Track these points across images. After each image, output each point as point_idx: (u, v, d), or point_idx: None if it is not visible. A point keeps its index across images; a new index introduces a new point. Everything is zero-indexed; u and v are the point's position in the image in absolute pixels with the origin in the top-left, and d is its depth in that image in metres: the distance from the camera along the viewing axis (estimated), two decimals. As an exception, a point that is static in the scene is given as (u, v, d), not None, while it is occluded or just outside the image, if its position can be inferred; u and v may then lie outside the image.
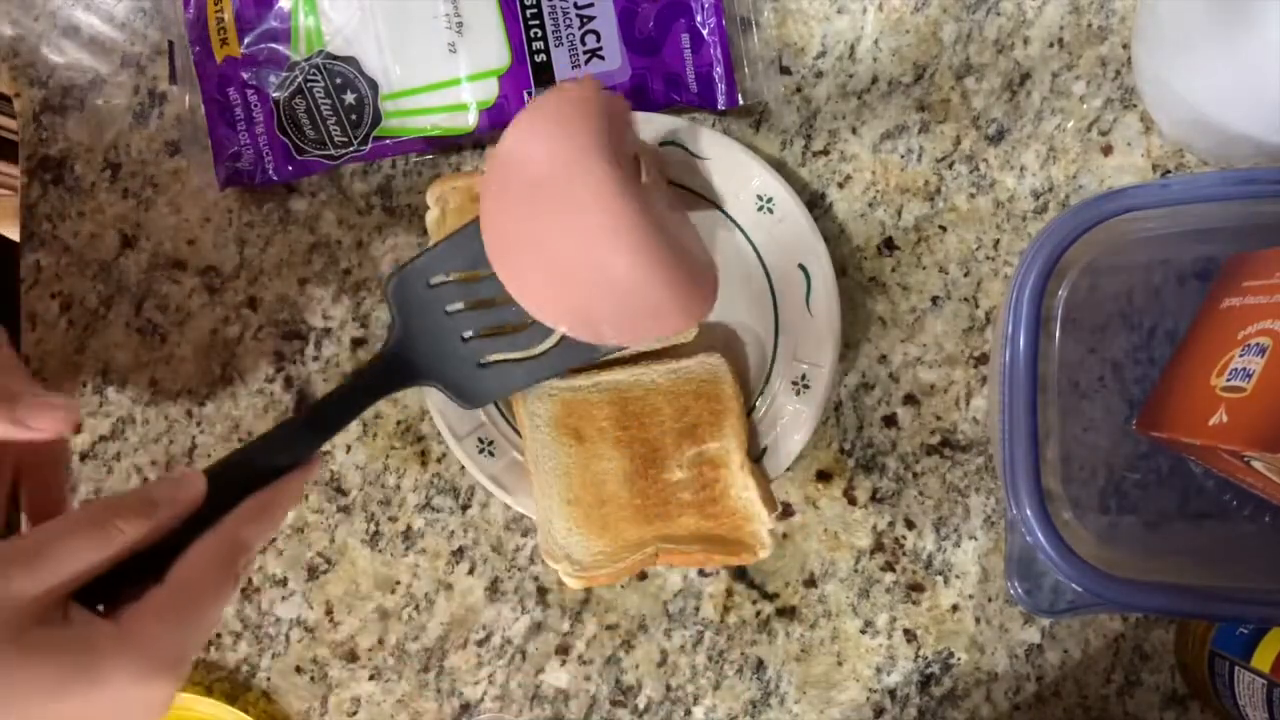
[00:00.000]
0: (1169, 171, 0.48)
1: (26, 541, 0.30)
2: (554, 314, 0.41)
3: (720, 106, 0.48)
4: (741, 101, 0.48)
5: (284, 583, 0.51)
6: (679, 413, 0.46)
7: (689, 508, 0.46)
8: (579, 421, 0.47)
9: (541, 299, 0.41)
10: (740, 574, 0.50)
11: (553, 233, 0.40)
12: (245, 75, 0.48)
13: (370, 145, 0.49)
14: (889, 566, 0.49)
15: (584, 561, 0.46)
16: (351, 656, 0.51)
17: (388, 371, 0.42)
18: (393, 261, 0.51)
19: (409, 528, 0.51)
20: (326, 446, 0.51)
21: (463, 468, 0.49)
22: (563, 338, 0.42)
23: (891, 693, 0.49)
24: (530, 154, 0.40)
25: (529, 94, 0.48)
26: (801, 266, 0.47)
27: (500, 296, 0.41)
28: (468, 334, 0.42)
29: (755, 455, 0.47)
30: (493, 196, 0.40)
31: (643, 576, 0.50)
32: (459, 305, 0.42)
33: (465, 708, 0.51)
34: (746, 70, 0.48)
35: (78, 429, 0.35)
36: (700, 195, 0.48)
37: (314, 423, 0.39)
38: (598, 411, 0.47)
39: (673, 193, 0.46)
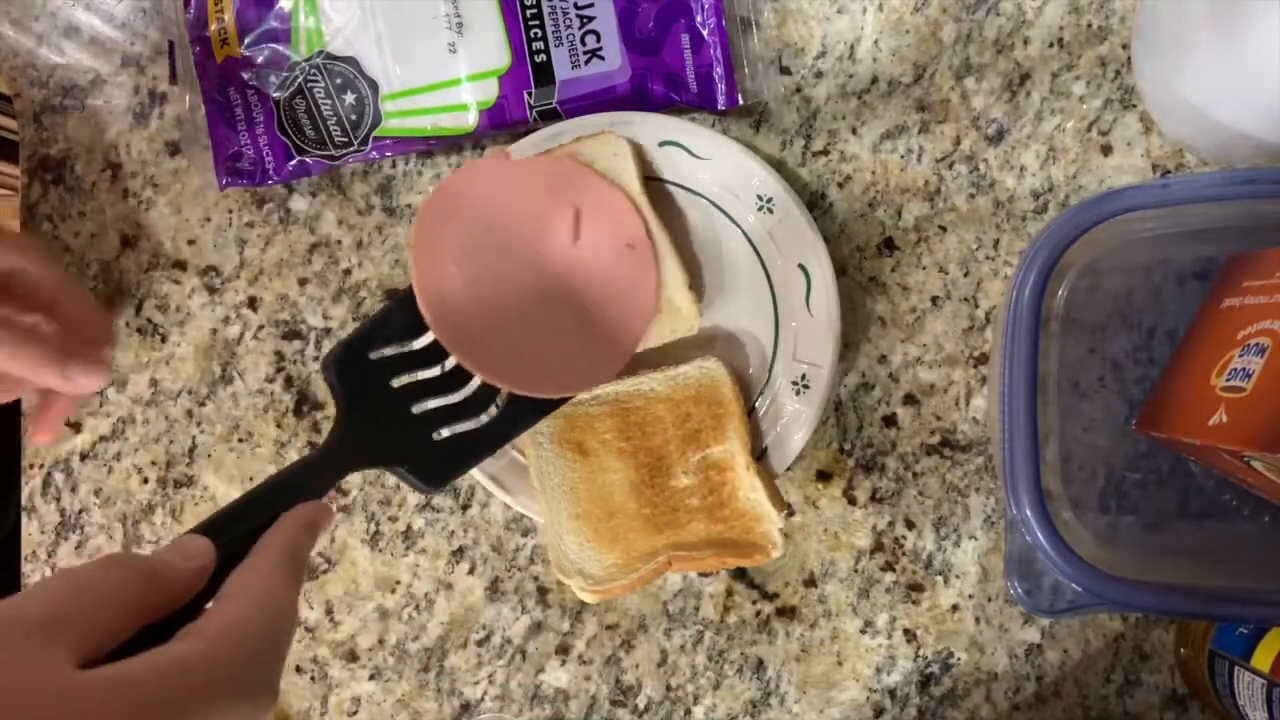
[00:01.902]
0: (1169, 171, 0.48)
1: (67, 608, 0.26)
2: (493, 369, 0.41)
3: (720, 106, 0.48)
4: (741, 101, 0.48)
5: (284, 583, 0.51)
6: (680, 419, 0.46)
7: (698, 513, 0.46)
8: (582, 435, 0.47)
9: (481, 356, 0.41)
10: (740, 574, 0.50)
11: (483, 288, 0.43)
12: (245, 75, 0.48)
13: (370, 145, 0.49)
14: (889, 566, 0.49)
15: (597, 575, 0.46)
16: (351, 656, 0.51)
17: (341, 454, 0.38)
18: (393, 262, 0.51)
19: (409, 528, 0.51)
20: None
21: (463, 468, 0.49)
22: (510, 397, 0.42)
23: (891, 693, 0.49)
24: (459, 213, 0.43)
25: (529, 94, 0.48)
26: (801, 266, 0.47)
27: (439, 362, 0.41)
28: (416, 409, 0.40)
29: (755, 455, 0.47)
30: (425, 255, 0.41)
31: (643, 576, 0.50)
32: (403, 378, 0.40)
33: (465, 708, 0.51)
34: (746, 70, 0.48)
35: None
36: (700, 195, 0.48)
37: (279, 496, 0.36)
38: (599, 424, 0.47)
39: (629, 230, 0.45)
